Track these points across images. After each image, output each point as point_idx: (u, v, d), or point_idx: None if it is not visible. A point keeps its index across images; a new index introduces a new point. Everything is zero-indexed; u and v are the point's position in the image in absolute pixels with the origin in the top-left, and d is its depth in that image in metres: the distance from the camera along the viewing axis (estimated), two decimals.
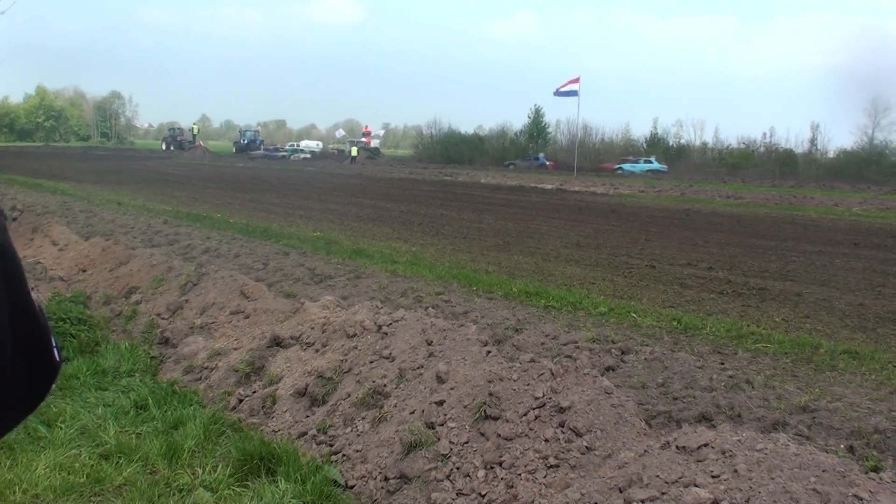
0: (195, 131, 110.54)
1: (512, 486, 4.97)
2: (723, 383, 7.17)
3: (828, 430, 6.14)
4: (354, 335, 7.19)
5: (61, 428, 6.33)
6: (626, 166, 75.97)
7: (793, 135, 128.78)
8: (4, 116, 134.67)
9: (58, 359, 1.58)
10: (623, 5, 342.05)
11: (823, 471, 4.08)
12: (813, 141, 77.26)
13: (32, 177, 40.04)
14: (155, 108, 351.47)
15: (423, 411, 5.82)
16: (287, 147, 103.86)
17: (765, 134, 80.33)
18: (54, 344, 1.57)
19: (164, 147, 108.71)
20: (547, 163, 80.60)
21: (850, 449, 5.79)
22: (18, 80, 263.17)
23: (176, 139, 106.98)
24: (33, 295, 1.52)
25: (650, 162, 76.67)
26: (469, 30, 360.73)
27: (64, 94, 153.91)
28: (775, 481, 4.01)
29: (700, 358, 8.42)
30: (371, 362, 6.73)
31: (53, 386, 1.61)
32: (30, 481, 5.23)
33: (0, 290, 1.36)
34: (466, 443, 5.41)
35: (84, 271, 12.54)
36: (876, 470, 4.97)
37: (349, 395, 6.51)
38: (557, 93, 66.12)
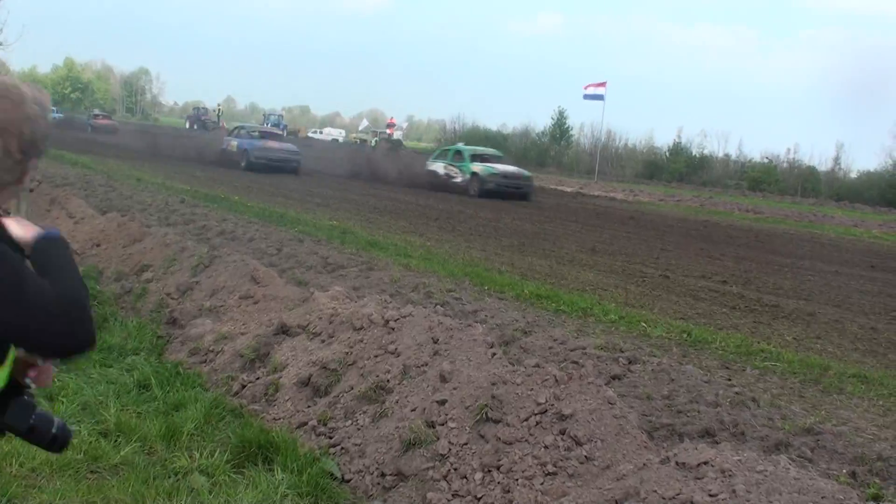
0: (219, 112, 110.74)
1: (508, 491, 4.94)
2: (728, 399, 7.11)
3: (831, 453, 6.09)
4: (361, 328, 7.16)
5: (63, 402, 6.32)
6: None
7: (817, 152, 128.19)
8: None
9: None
10: (649, 11, 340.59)
11: (823, 497, 4.03)
12: (837, 160, 76.91)
13: (55, 147, 40.20)
14: (181, 86, 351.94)
15: (424, 409, 5.79)
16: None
17: (789, 149, 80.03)
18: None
19: (187, 126, 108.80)
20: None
21: (853, 475, 5.73)
22: (47, 51, 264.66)
23: (200, 118, 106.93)
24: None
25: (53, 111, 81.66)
26: (495, 25, 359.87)
27: (92, 67, 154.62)
28: None
29: (708, 372, 8.37)
30: (376, 356, 6.71)
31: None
32: (27, 454, 5.22)
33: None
34: (465, 444, 5.39)
35: (98, 246, 12.56)
36: (877, 499, 4.94)
37: (352, 388, 6.49)
38: (587, 96, 65.83)
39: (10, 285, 2.12)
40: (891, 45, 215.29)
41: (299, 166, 39.95)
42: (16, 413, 2.36)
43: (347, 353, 6.94)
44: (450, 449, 5.39)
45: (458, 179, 36.89)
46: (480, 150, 41.90)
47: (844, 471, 5.79)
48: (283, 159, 39.41)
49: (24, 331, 2.16)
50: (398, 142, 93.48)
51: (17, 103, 2.32)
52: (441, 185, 36.94)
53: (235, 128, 48.36)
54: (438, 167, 38.95)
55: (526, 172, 38.37)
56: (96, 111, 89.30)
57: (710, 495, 4.13)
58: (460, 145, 43.59)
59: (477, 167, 36.32)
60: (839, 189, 68.21)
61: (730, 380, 8.23)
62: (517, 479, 4.96)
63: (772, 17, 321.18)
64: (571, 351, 8.43)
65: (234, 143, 41.59)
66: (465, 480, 5.16)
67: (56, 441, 2.49)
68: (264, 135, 43.37)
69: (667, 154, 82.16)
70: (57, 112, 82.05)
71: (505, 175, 35.89)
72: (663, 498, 4.23)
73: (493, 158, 39.12)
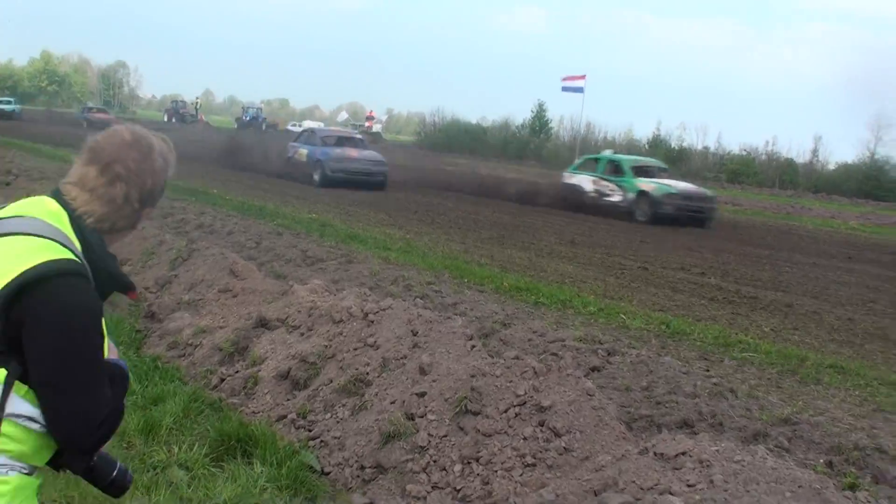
0: (197, 105, 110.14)
1: (487, 483, 4.95)
2: (707, 390, 7.15)
3: (808, 443, 6.14)
4: (341, 321, 7.16)
5: None
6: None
7: (795, 145, 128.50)
8: (7, 79, 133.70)
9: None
10: (630, 6, 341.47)
11: (799, 486, 4.06)
12: (815, 152, 77.15)
13: (32, 141, 39.88)
14: (159, 79, 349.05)
15: (403, 402, 5.79)
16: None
17: (767, 142, 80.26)
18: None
19: (165, 119, 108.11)
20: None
21: (829, 464, 5.78)
22: (24, 44, 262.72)
23: (178, 112, 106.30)
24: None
25: (9, 102, 76.43)
26: (476, 20, 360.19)
27: (69, 60, 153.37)
28: (750, 494, 3.99)
29: (686, 364, 8.40)
30: (355, 349, 6.70)
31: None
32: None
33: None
34: (445, 436, 5.39)
35: None
36: (853, 488, 4.97)
37: (331, 381, 6.48)
38: (565, 88, 65.63)
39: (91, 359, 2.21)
40: (869, 39, 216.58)
41: (386, 179, 31.24)
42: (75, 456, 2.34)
43: (327, 346, 6.93)
44: (429, 441, 5.39)
45: (617, 199, 28.02)
46: (642, 160, 32.74)
47: (821, 460, 5.83)
48: (367, 171, 30.51)
49: (66, 388, 2.14)
50: (377, 135, 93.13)
51: (146, 155, 2.42)
52: (589, 206, 28.52)
53: (304, 131, 37.47)
54: (584, 182, 29.76)
55: (708, 192, 29.76)
56: (90, 104, 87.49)
57: (688, 485, 4.15)
58: (611, 153, 32.57)
59: (646, 185, 27.21)
60: (817, 181, 68.52)
61: (708, 371, 8.27)
62: (496, 471, 4.97)
63: (752, 11, 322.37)
64: (551, 343, 8.45)
65: (304, 151, 32.04)
66: (444, 472, 5.17)
67: (114, 485, 2.46)
68: (341, 141, 32.91)
69: (646, 147, 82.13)
70: (15, 104, 79.53)
71: (686, 196, 27.00)
72: (642, 488, 4.25)
73: (659, 171, 29.91)
